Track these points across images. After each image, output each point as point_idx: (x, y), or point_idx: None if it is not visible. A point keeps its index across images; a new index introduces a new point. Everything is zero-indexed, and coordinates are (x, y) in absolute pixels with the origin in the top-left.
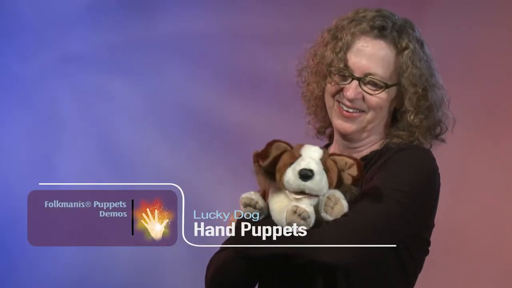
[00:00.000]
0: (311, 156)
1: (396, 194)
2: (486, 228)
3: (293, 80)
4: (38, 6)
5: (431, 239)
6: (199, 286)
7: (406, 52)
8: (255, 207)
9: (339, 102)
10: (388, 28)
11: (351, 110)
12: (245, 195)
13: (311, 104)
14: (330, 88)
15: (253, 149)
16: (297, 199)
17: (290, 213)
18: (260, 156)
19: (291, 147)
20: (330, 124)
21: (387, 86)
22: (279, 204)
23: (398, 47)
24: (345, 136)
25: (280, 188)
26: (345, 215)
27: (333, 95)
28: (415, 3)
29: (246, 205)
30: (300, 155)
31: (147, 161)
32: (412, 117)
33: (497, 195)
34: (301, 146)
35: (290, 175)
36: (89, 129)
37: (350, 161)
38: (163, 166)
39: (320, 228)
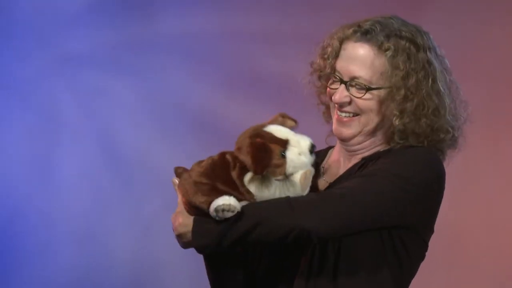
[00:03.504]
0: (289, 132)
1: (393, 178)
2: (485, 228)
3: (293, 80)
4: (38, 6)
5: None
6: (199, 286)
7: (387, 53)
8: (233, 211)
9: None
10: (374, 32)
11: (343, 115)
12: (221, 202)
13: (323, 111)
14: (328, 93)
15: None
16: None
17: (303, 179)
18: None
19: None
20: None
21: (368, 89)
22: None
23: (382, 49)
24: (343, 141)
25: (275, 177)
26: (333, 188)
27: (331, 100)
28: (414, 3)
29: (224, 211)
30: (286, 139)
31: (147, 161)
32: (397, 121)
33: (497, 195)
34: (269, 130)
35: (303, 158)
36: (89, 128)
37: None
38: (163, 166)
39: (300, 198)
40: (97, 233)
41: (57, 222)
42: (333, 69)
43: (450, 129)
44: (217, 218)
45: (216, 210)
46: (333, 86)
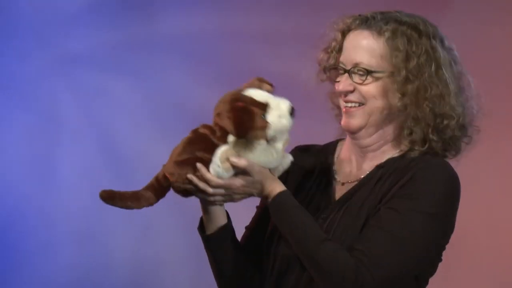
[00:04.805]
0: (269, 96)
1: (423, 218)
2: (485, 228)
3: (293, 80)
4: (38, 6)
5: None
6: (199, 286)
7: (385, 34)
8: (236, 160)
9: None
10: (374, 19)
11: (349, 105)
12: (223, 149)
13: (336, 113)
14: (332, 86)
15: None
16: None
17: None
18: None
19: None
20: None
21: (369, 72)
22: (267, 153)
23: (381, 33)
24: (352, 134)
25: (258, 141)
26: (376, 237)
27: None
28: (414, 3)
29: (225, 161)
30: (266, 103)
31: (147, 161)
32: (399, 103)
33: (497, 195)
34: (249, 94)
35: (283, 121)
36: (89, 128)
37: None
38: None
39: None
40: (97, 233)
41: (57, 222)
42: (335, 60)
43: (454, 115)
44: (222, 172)
45: (220, 159)
46: (338, 79)
